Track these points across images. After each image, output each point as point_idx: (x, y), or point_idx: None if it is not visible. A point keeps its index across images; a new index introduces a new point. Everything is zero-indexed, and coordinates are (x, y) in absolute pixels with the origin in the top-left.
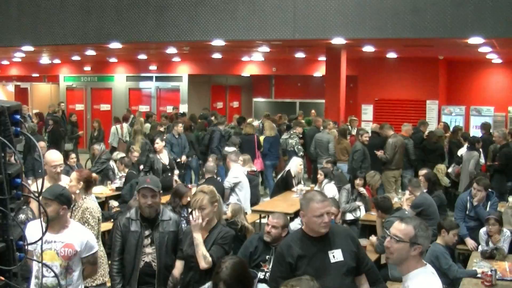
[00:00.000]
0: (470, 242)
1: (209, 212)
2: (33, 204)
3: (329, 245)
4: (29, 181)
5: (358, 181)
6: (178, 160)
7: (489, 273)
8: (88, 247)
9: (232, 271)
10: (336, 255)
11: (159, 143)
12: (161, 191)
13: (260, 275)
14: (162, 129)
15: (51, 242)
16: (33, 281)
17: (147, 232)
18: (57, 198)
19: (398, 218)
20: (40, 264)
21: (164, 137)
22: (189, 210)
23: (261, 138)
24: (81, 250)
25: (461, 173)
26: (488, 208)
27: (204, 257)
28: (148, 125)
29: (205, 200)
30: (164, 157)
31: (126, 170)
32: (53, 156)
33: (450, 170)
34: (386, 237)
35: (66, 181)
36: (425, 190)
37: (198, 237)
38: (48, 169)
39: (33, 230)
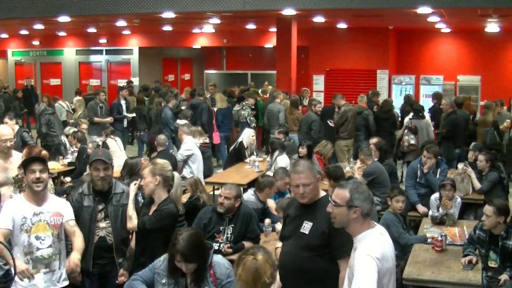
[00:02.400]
0: (421, 209)
1: (148, 182)
2: None
3: (309, 216)
4: None
5: (300, 149)
6: None
7: (440, 238)
8: (69, 212)
9: (188, 242)
10: (306, 227)
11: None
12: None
13: (215, 246)
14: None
15: (39, 214)
16: (22, 258)
17: (100, 207)
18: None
19: None
20: (32, 238)
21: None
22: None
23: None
24: (66, 217)
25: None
26: (438, 175)
27: (129, 218)
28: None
29: (146, 169)
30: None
31: (79, 144)
32: (3, 131)
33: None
34: None
35: (17, 157)
36: (376, 159)
37: (131, 197)
38: None
39: (17, 206)
